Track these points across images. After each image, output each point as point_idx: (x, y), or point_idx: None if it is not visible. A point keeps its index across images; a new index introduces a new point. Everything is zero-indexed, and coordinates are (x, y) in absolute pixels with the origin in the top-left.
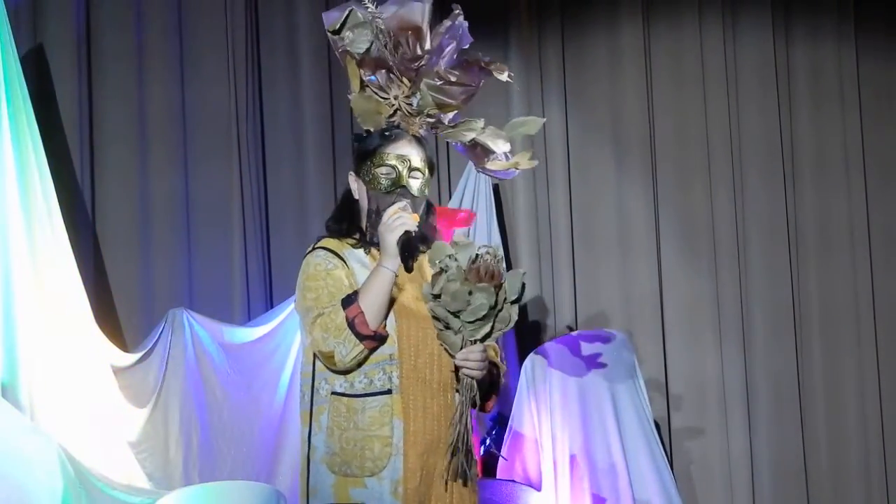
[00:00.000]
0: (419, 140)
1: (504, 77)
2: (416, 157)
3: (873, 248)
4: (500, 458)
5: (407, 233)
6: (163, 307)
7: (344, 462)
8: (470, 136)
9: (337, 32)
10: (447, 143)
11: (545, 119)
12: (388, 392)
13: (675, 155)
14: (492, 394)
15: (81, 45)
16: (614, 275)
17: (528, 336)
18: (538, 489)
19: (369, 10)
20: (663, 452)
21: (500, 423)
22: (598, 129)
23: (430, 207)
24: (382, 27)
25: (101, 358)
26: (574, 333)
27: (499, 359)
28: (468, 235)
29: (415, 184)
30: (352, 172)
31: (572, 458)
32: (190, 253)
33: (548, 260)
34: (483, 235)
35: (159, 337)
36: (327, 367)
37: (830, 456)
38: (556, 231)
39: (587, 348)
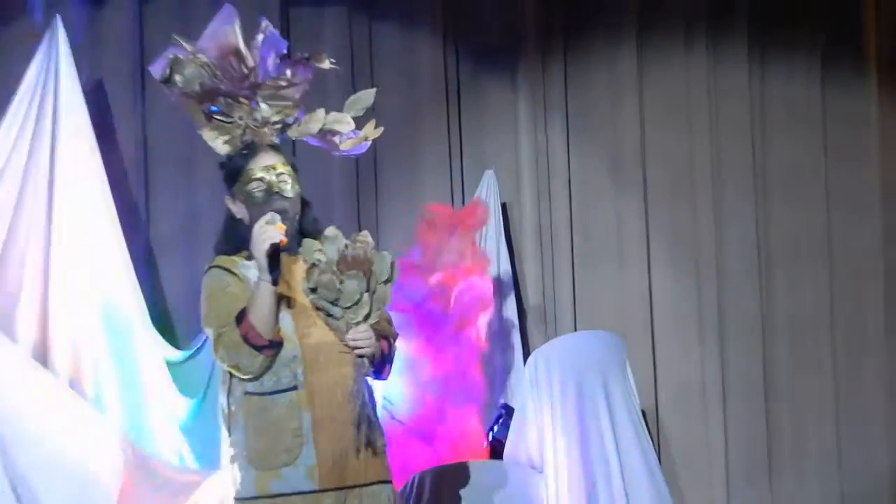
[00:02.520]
0: (275, 147)
1: (326, 65)
2: (279, 162)
3: (833, 263)
4: (506, 443)
5: (273, 245)
6: None
7: (261, 457)
8: (317, 126)
9: (167, 81)
10: (462, 174)
11: (376, 89)
12: (294, 388)
13: (663, 178)
14: (385, 364)
15: (136, 76)
16: (609, 284)
17: (533, 336)
18: (540, 471)
19: (188, 49)
20: (650, 441)
21: (508, 412)
22: (597, 155)
23: (305, 204)
24: (205, 60)
25: (155, 354)
26: (573, 334)
27: (391, 328)
28: (480, 240)
29: (286, 187)
30: (227, 196)
31: (570, 445)
32: None
33: (550, 271)
34: (493, 251)
35: (207, 343)
36: (240, 378)
37: (793, 444)
38: (558, 245)
39: (584, 347)
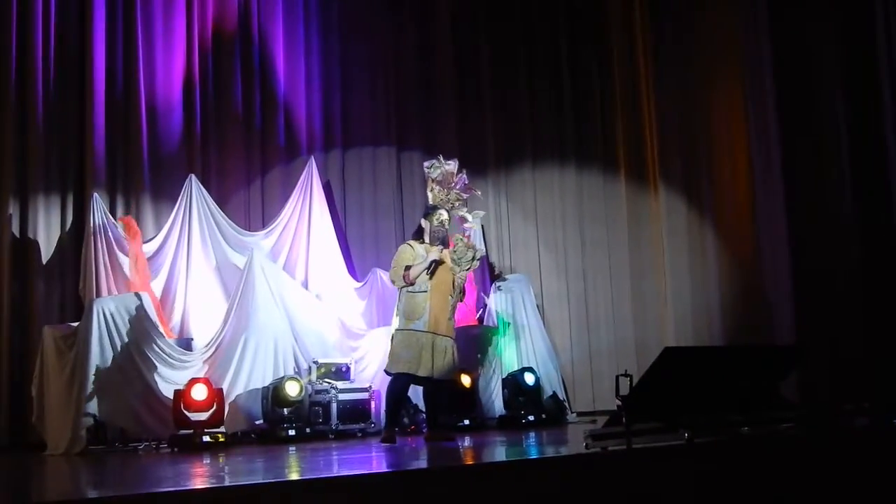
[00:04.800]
0: (447, 210)
1: (478, 193)
2: (446, 216)
3: (611, 256)
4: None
5: (442, 244)
6: (369, 267)
7: (409, 313)
8: (462, 212)
9: (429, 168)
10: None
11: (484, 212)
12: (425, 291)
13: (545, 227)
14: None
15: (340, 179)
16: (527, 261)
17: (492, 280)
18: (496, 327)
19: (442, 162)
20: (539, 315)
21: (486, 306)
22: (519, 214)
23: (446, 234)
24: (444, 168)
25: (346, 282)
26: (512, 275)
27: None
28: (472, 236)
29: (448, 226)
30: (423, 220)
31: (512, 315)
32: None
33: (507, 254)
34: (479, 243)
35: (369, 279)
36: (403, 284)
37: (595, 317)
38: (505, 246)
39: (516, 282)
